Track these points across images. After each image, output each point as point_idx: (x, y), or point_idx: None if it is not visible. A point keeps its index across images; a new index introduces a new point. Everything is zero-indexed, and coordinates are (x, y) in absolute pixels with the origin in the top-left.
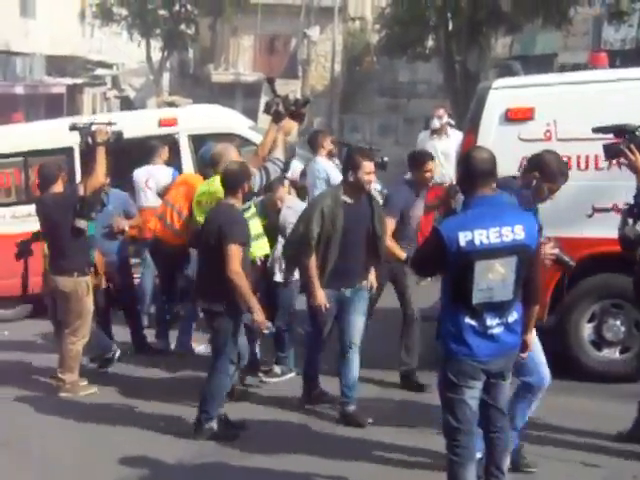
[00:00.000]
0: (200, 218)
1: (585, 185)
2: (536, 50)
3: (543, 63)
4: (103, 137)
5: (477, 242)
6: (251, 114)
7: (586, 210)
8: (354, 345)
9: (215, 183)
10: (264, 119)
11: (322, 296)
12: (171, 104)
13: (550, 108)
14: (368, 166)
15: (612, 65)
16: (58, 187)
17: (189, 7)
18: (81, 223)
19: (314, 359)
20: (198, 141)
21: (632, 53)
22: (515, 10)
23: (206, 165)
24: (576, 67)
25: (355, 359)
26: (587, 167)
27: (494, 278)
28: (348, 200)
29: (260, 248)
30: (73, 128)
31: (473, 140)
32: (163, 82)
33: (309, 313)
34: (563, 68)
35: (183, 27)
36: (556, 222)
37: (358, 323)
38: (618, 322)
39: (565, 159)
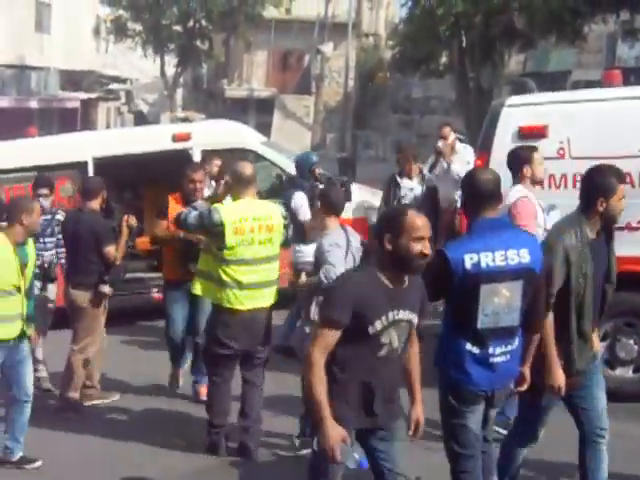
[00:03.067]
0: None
1: None
2: (550, 67)
3: (557, 80)
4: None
5: (483, 265)
6: (264, 130)
7: None
8: (605, 431)
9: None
10: (276, 134)
11: (562, 378)
12: (184, 119)
13: (564, 126)
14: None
15: (626, 83)
16: (96, 204)
17: (203, 23)
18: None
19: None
20: (212, 156)
21: None
22: (529, 27)
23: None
24: (590, 84)
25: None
26: None
27: (499, 302)
28: (590, 234)
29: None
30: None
31: (486, 158)
32: (177, 97)
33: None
34: (577, 85)
35: (197, 42)
36: None
37: (604, 400)
38: (631, 341)
39: (578, 177)
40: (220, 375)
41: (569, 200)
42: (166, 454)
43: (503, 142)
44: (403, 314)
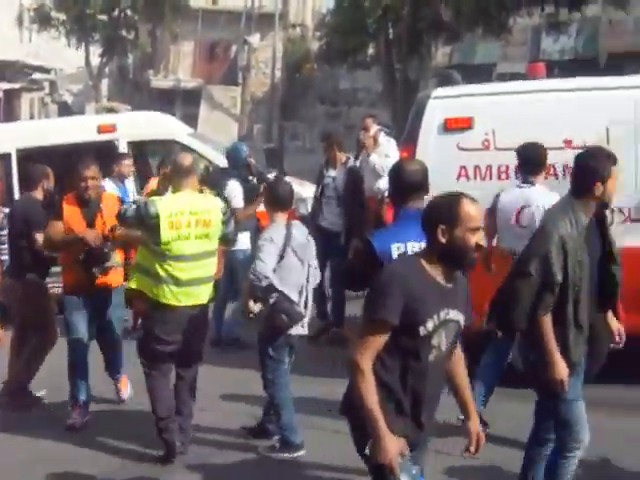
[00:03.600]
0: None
1: None
2: (476, 59)
3: (482, 72)
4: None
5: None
6: (190, 121)
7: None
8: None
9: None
10: (203, 125)
11: (566, 371)
12: (110, 110)
13: (489, 117)
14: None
15: (550, 75)
16: (38, 193)
17: (129, 12)
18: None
19: None
20: (137, 148)
21: (570, 63)
22: (455, 19)
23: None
24: (515, 77)
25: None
26: None
27: None
28: (585, 220)
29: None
30: None
31: (412, 149)
32: (102, 88)
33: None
34: (502, 78)
35: (123, 32)
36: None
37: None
38: None
39: (503, 168)
40: (158, 369)
41: (494, 191)
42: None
43: (429, 134)
44: (453, 314)
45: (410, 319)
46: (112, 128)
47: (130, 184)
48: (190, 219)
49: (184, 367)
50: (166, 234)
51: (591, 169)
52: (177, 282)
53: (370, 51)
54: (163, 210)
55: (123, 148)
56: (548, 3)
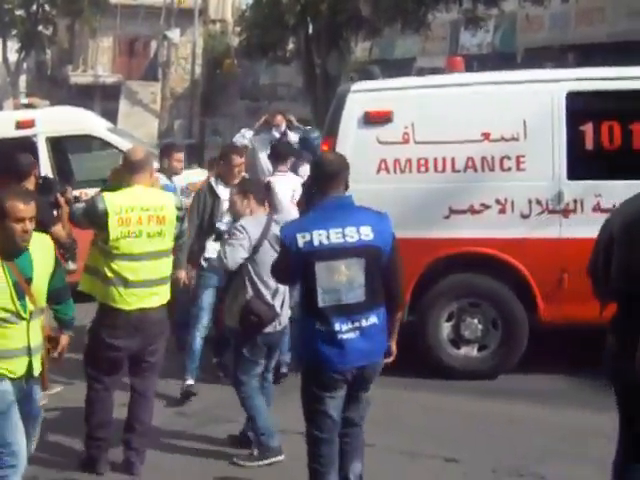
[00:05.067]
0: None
1: (442, 187)
2: (395, 54)
3: (402, 67)
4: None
5: (316, 243)
6: (110, 116)
7: (443, 211)
8: None
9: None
10: (123, 121)
11: None
12: (29, 106)
13: (408, 111)
14: None
15: (469, 69)
16: (30, 184)
17: (47, 7)
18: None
19: None
20: (56, 144)
21: (488, 58)
22: (375, 14)
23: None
24: (434, 71)
25: None
26: (444, 169)
27: (339, 280)
28: None
29: None
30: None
31: (332, 142)
32: (20, 83)
33: None
34: (421, 72)
35: (41, 28)
36: (413, 223)
37: None
38: (476, 320)
39: (422, 161)
40: (101, 381)
41: (413, 184)
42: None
43: (349, 127)
44: None
45: None
46: (30, 124)
47: (179, 180)
48: (141, 215)
49: (138, 378)
50: (114, 231)
51: None
52: (125, 283)
53: (290, 46)
54: (111, 205)
55: (42, 144)
56: None
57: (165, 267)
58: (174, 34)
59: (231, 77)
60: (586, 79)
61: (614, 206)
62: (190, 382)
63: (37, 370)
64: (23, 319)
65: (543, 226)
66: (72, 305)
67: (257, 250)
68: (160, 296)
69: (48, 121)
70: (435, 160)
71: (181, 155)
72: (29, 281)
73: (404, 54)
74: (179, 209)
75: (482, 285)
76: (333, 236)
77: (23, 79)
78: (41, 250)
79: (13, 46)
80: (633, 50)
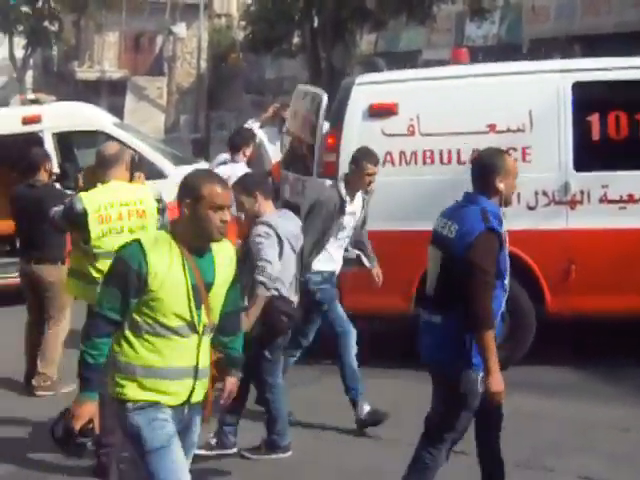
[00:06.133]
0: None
1: (448, 179)
2: (400, 47)
3: (407, 59)
4: None
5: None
6: (116, 111)
7: (449, 203)
8: None
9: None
10: (129, 116)
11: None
12: (35, 101)
13: (413, 103)
14: None
15: (475, 61)
16: (43, 175)
17: (52, 3)
18: None
19: None
20: (62, 139)
21: (494, 49)
22: (380, 7)
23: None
24: (439, 63)
25: None
26: (450, 161)
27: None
28: None
29: None
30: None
31: (338, 135)
32: (26, 79)
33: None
34: (427, 64)
35: (47, 24)
36: (420, 215)
37: None
38: None
39: (428, 153)
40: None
41: (419, 176)
42: None
43: (354, 120)
44: None
45: None
46: (37, 119)
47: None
48: (121, 211)
49: None
50: (95, 229)
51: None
52: None
53: (295, 40)
54: (90, 204)
55: (48, 139)
56: None
57: None
58: (180, 29)
59: (237, 71)
60: (592, 70)
61: (621, 197)
62: None
63: (199, 397)
64: (196, 332)
65: (550, 217)
66: (242, 339)
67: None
68: None
69: (54, 116)
70: (441, 152)
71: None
72: (208, 287)
73: (409, 46)
74: (158, 201)
75: None
76: None
77: (29, 75)
78: (223, 254)
79: (19, 42)
80: None
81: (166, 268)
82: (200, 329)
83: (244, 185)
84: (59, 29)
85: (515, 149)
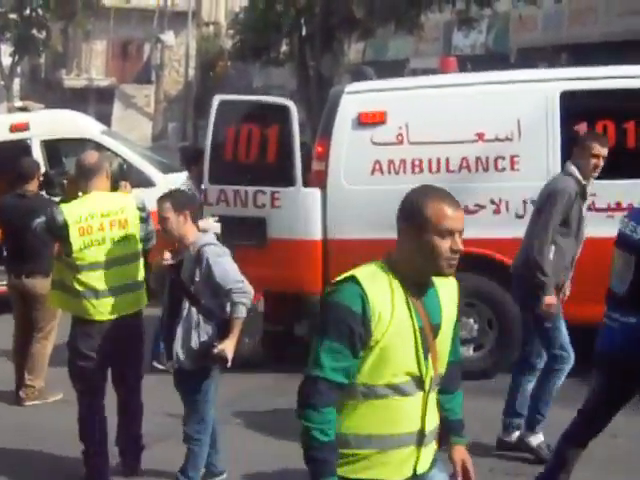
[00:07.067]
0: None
1: None
2: (388, 55)
3: (395, 68)
4: None
5: None
6: (104, 119)
7: None
8: None
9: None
10: (117, 124)
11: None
12: (23, 109)
13: (402, 112)
14: None
15: (462, 70)
16: (34, 185)
17: (40, 11)
18: None
19: None
20: (50, 147)
21: (481, 59)
22: (368, 16)
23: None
24: (427, 72)
25: None
26: (439, 170)
27: None
28: None
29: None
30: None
31: (327, 144)
32: (14, 87)
33: None
34: (414, 73)
35: (34, 31)
36: None
37: None
38: (471, 320)
39: (417, 162)
40: (88, 393)
41: (408, 185)
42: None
43: (343, 128)
44: None
45: None
46: (24, 127)
47: None
48: (103, 222)
49: (121, 387)
50: (77, 241)
51: None
52: (96, 293)
53: (283, 48)
54: (70, 216)
55: (36, 147)
56: None
57: (135, 271)
58: (168, 37)
59: (225, 79)
60: (580, 79)
61: (609, 205)
62: None
63: (426, 467)
64: (422, 389)
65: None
66: (462, 397)
67: None
68: (134, 303)
69: (42, 124)
70: (429, 161)
71: None
72: (436, 331)
73: (397, 55)
74: (141, 209)
75: (477, 285)
76: None
77: (17, 83)
78: (447, 289)
79: (7, 50)
80: (626, 49)
81: (389, 309)
82: (427, 384)
83: (176, 201)
84: (47, 37)
85: (503, 158)
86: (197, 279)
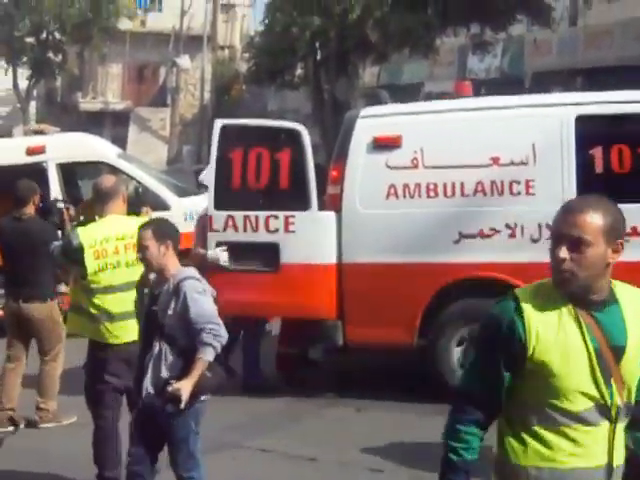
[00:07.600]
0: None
1: (452, 212)
2: (403, 79)
3: (410, 92)
4: None
5: None
6: (119, 142)
7: (453, 236)
8: None
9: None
10: (132, 147)
11: None
12: (39, 132)
13: (417, 136)
14: None
15: (477, 94)
16: (31, 209)
17: (57, 35)
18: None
19: None
20: (66, 170)
21: (496, 82)
22: (383, 40)
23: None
24: (442, 96)
25: None
26: (453, 194)
27: None
28: None
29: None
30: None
31: (342, 168)
32: (30, 110)
33: None
34: (429, 97)
35: (51, 55)
36: (423, 248)
37: None
38: None
39: (432, 186)
40: (104, 417)
41: (423, 209)
42: None
43: (358, 152)
44: None
45: None
46: (41, 150)
47: None
48: (118, 245)
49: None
50: (92, 265)
51: None
52: (111, 317)
53: (298, 72)
54: (86, 240)
55: (52, 170)
56: (473, 23)
57: None
58: (183, 60)
59: (239, 103)
60: (595, 103)
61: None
62: None
63: None
64: (607, 418)
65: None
66: None
67: None
68: None
69: (58, 147)
70: (444, 185)
71: None
72: (618, 353)
73: (412, 79)
74: None
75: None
76: None
77: (33, 106)
78: (635, 305)
79: (23, 73)
80: None
81: (554, 328)
82: (613, 413)
83: (158, 230)
84: (63, 60)
85: (518, 182)
86: (170, 312)
